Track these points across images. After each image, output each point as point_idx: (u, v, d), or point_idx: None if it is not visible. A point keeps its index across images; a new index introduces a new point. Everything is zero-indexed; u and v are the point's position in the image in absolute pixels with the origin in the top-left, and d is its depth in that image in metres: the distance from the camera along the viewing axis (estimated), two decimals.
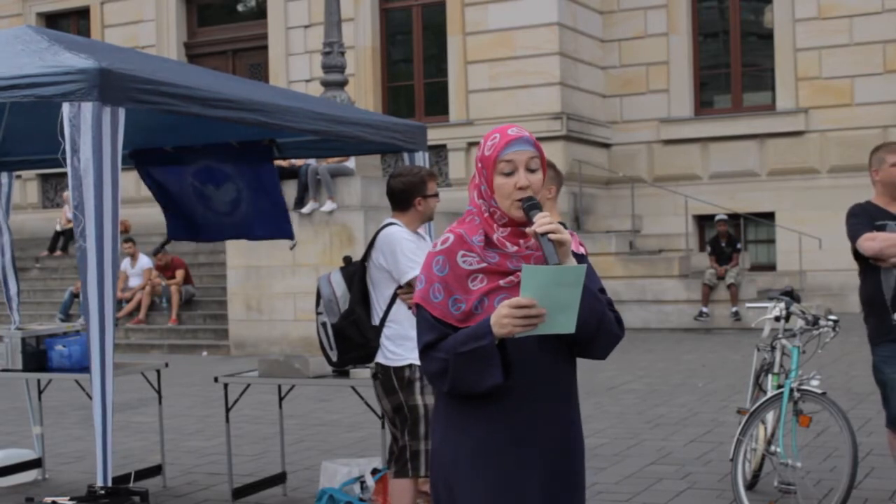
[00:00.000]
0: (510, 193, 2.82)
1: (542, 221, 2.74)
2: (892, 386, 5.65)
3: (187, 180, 6.98)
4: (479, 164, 2.89)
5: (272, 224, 7.00)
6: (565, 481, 2.92)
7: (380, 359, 5.27)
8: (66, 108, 4.53)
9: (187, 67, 6.63)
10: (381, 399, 5.34)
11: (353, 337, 5.38)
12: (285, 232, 6.99)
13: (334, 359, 5.58)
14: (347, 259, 5.65)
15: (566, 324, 2.71)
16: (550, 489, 2.88)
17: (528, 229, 2.79)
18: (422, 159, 6.79)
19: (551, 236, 2.72)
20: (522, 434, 2.84)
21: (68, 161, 4.52)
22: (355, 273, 5.43)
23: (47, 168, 7.66)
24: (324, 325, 5.54)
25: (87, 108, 4.50)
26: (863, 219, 5.65)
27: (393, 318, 5.22)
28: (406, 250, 5.12)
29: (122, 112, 4.63)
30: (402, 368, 5.20)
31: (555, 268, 2.68)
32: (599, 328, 2.85)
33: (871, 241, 5.59)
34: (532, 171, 2.83)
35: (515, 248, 2.85)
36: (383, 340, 5.24)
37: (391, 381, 5.22)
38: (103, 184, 4.54)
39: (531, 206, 2.80)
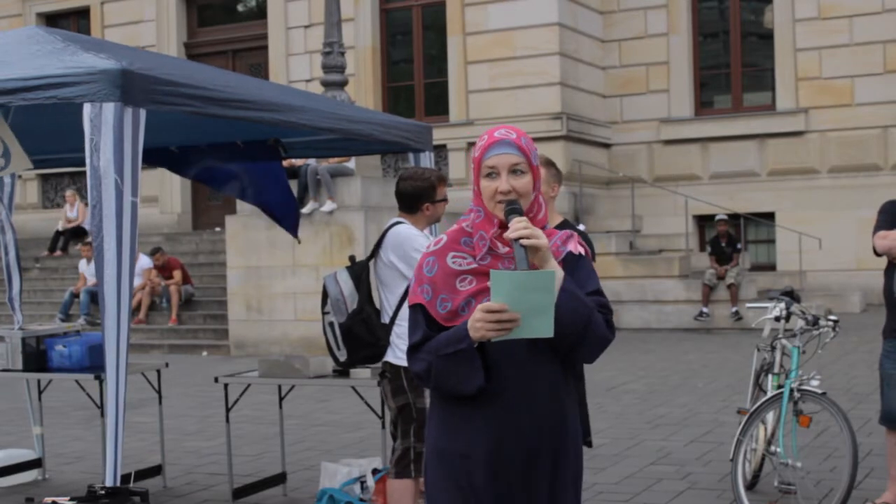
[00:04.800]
0: (492, 196, 2.85)
1: (516, 227, 2.76)
2: (888, 381, 5.70)
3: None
4: (473, 165, 2.94)
5: (281, 217, 7.04)
6: (562, 478, 2.92)
7: (389, 358, 5.24)
8: (87, 108, 4.51)
9: (200, 67, 6.59)
10: (387, 398, 5.29)
11: (362, 336, 5.34)
12: (292, 229, 7.02)
13: (342, 358, 5.53)
14: (353, 258, 5.64)
15: (543, 328, 2.71)
16: (550, 487, 2.89)
17: (505, 234, 2.80)
18: (427, 159, 6.77)
19: (523, 241, 2.74)
20: (520, 434, 2.84)
21: (87, 160, 4.51)
22: (362, 272, 5.40)
23: (49, 168, 7.64)
24: (331, 324, 5.49)
25: (109, 108, 4.48)
26: (887, 216, 5.69)
27: (403, 317, 5.13)
28: (419, 246, 5.06)
29: (143, 113, 4.61)
30: None
31: (521, 273, 2.70)
32: (585, 332, 2.84)
33: (882, 240, 5.64)
34: (517, 174, 2.85)
35: (507, 249, 2.86)
36: (393, 339, 5.20)
37: (400, 380, 5.18)
38: (123, 183, 4.52)
39: (511, 210, 2.83)
